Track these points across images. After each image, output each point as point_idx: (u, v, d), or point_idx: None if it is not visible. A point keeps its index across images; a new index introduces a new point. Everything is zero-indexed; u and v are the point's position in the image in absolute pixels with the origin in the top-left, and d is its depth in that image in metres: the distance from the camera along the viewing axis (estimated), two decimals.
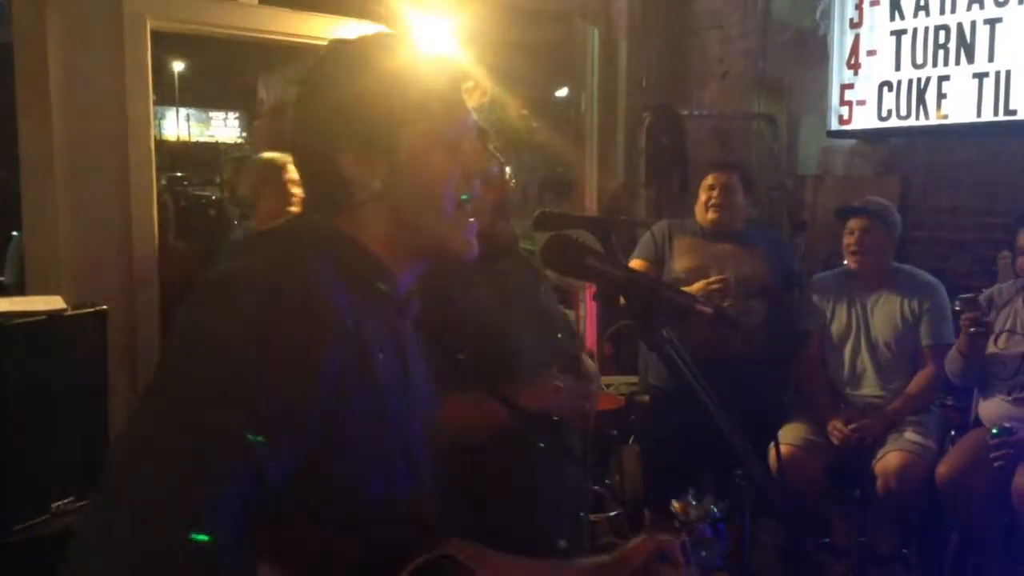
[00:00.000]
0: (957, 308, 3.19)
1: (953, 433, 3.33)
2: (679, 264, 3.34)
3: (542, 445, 1.74)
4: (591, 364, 1.86)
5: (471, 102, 1.15)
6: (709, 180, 3.41)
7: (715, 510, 1.32)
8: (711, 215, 3.37)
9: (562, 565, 1.32)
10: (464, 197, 1.11)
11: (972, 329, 3.02)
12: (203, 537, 0.79)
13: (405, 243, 1.10)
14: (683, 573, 1.24)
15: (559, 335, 1.94)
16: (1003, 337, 3.14)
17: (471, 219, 1.14)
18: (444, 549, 1.04)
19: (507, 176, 1.85)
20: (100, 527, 0.81)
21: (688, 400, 1.20)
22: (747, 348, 3.17)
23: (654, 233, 3.45)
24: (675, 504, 1.31)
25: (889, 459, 3.13)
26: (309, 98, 1.10)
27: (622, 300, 1.30)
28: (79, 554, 0.80)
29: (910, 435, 3.18)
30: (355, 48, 1.11)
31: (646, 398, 3.51)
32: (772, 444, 2.77)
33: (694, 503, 1.32)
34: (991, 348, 3.14)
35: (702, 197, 3.41)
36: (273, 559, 0.92)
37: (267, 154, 3.24)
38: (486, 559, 1.07)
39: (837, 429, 3.25)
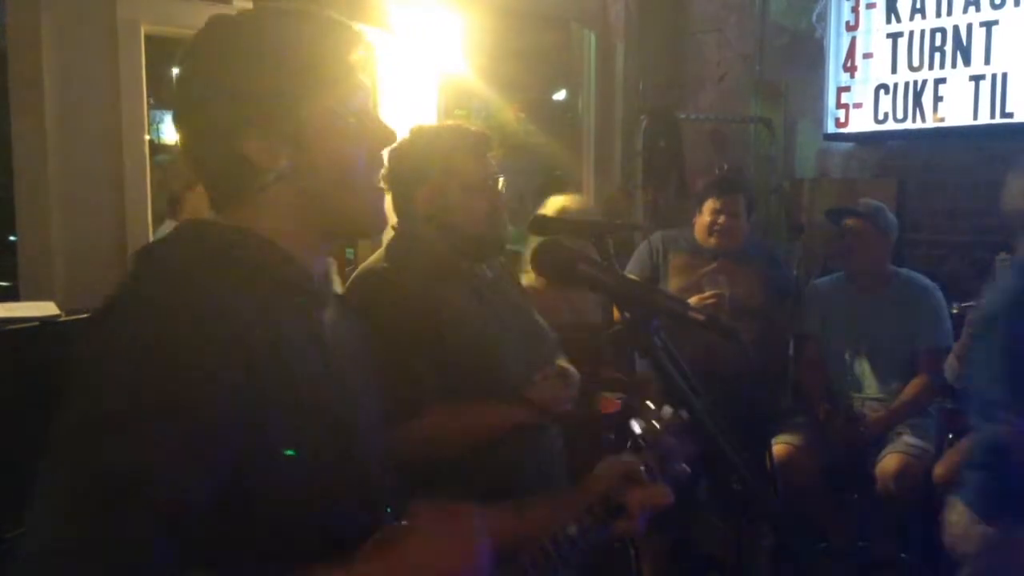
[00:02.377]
0: (955, 311, 3.18)
1: (951, 436, 3.31)
2: (673, 284, 3.34)
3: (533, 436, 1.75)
4: (571, 368, 1.89)
5: (367, 68, 1.09)
6: (716, 204, 3.34)
7: (677, 416, 1.31)
8: (714, 240, 3.35)
9: (530, 501, 1.32)
10: (374, 175, 1.08)
11: None
12: None
13: (315, 224, 1.07)
14: (648, 491, 1.27)
15: (543, 341, 1.94)
16: None
17: (381, 189, 1.11)
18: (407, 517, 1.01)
19: (500, 186, 1.88)
20: None
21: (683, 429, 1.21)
22: (742, 361, 3.16)
23: (651, 244, 3.43)
24: (636, 426, 1.32)
25: (888, 462, 3.12)
26: (197, 83, 1.03)
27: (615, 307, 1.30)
28: None
29: (908, 438, 3.17)
30: (237, 24, 1.05)
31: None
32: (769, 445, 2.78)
33: (656, 423, 1.32)
34: None
35: (706, 219, 3.37)
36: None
37: None
38: (450, 517, 1.02)
39: (836, 425, 3.25)
